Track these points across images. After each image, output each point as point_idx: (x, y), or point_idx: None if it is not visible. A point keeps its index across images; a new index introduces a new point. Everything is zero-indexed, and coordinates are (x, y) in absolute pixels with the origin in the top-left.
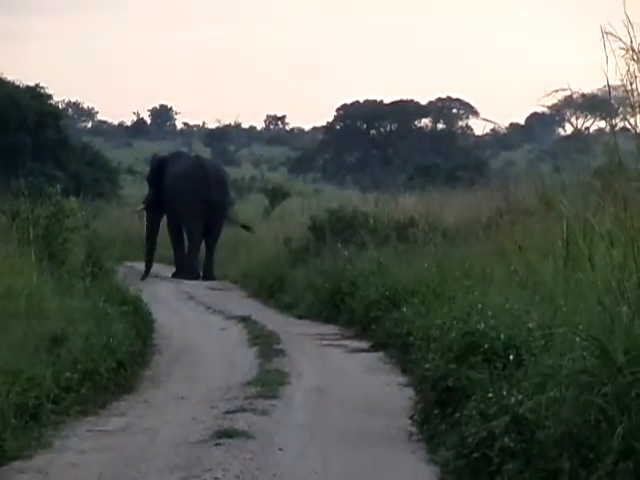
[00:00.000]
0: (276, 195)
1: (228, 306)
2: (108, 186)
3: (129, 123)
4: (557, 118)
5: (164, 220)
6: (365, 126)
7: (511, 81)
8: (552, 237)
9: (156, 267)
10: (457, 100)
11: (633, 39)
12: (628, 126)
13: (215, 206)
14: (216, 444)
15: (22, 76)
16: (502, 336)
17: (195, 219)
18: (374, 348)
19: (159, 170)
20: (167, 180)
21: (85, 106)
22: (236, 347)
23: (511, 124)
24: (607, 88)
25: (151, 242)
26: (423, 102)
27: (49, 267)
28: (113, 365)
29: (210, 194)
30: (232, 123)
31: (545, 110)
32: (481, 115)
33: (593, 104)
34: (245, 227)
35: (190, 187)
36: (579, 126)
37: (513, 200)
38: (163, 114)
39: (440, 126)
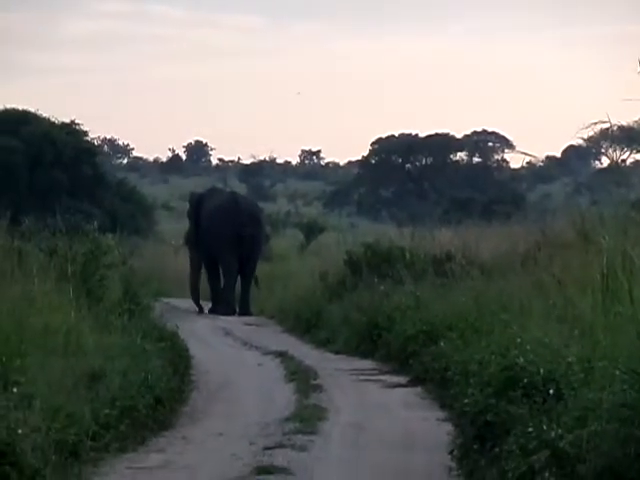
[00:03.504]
0: (311, 230)
1: (265, 341)
2: (144, 222)
3: (164, 159)
4: (594, 151)
5: None
6: (400, 160)
7: (547, 114)
8: (591, 270)
9: (192, 303)
10: (493, 133)
11: None
12: None
13: (250, 241)
14: None
15: (57, 112)
16: (541, 370)
17: (230, 254)
18: (412, 383)
19: (197, 206)
20: (203, 216)
21: (120, 142)
22: (273, 383)
23: (547, 157)
24: None
25: (194, 277)
26: (458, 136)
27: (87, 304)
28: (151, 402)
29: (244, 229)
30: (267, 158)
31: (581, 143)
32: (517, 148)
33: (630, 137)
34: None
35: (225, 223)
36: (616, 159)
37: (551, 233)
38: (198, 150)
39: (476, 159)
